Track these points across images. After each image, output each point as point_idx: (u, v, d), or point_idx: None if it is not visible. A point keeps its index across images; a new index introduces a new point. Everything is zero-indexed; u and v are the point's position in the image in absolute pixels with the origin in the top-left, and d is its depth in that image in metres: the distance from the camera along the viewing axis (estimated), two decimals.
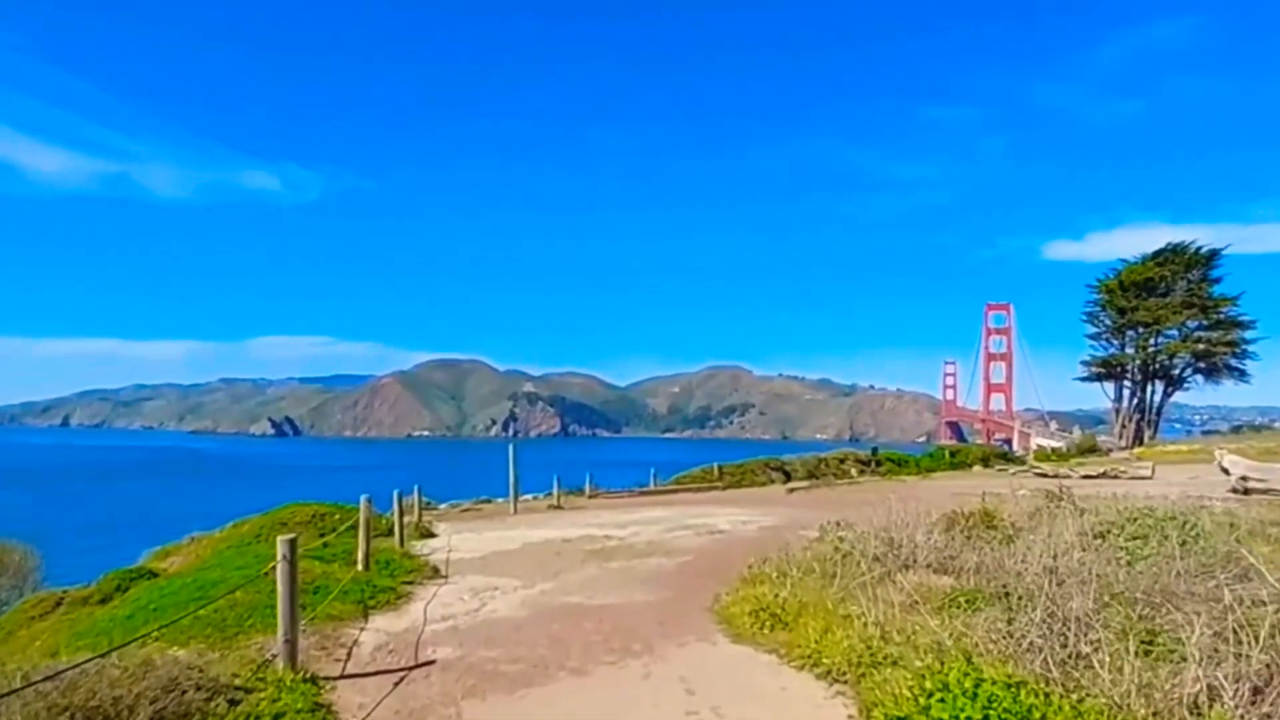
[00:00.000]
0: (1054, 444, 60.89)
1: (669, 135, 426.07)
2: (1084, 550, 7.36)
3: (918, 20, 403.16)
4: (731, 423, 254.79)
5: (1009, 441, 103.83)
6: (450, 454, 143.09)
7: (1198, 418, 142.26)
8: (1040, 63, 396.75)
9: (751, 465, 30.65)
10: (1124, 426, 54.86)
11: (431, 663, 5.91)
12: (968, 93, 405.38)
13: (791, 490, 24.74)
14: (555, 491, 22.42)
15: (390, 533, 13.23)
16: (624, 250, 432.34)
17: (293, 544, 5.16)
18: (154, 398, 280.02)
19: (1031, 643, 4.25)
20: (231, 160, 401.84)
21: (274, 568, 5.17)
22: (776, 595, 6.65)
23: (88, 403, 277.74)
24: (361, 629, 7.03)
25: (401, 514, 13.19)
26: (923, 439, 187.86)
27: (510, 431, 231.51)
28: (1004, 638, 4.55)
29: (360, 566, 9.29)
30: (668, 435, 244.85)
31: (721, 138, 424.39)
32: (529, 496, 23.86)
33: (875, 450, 33.02)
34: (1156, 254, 52.64)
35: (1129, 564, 6.74)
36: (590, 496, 23.89)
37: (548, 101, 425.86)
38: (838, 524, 11.73)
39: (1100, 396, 57.31)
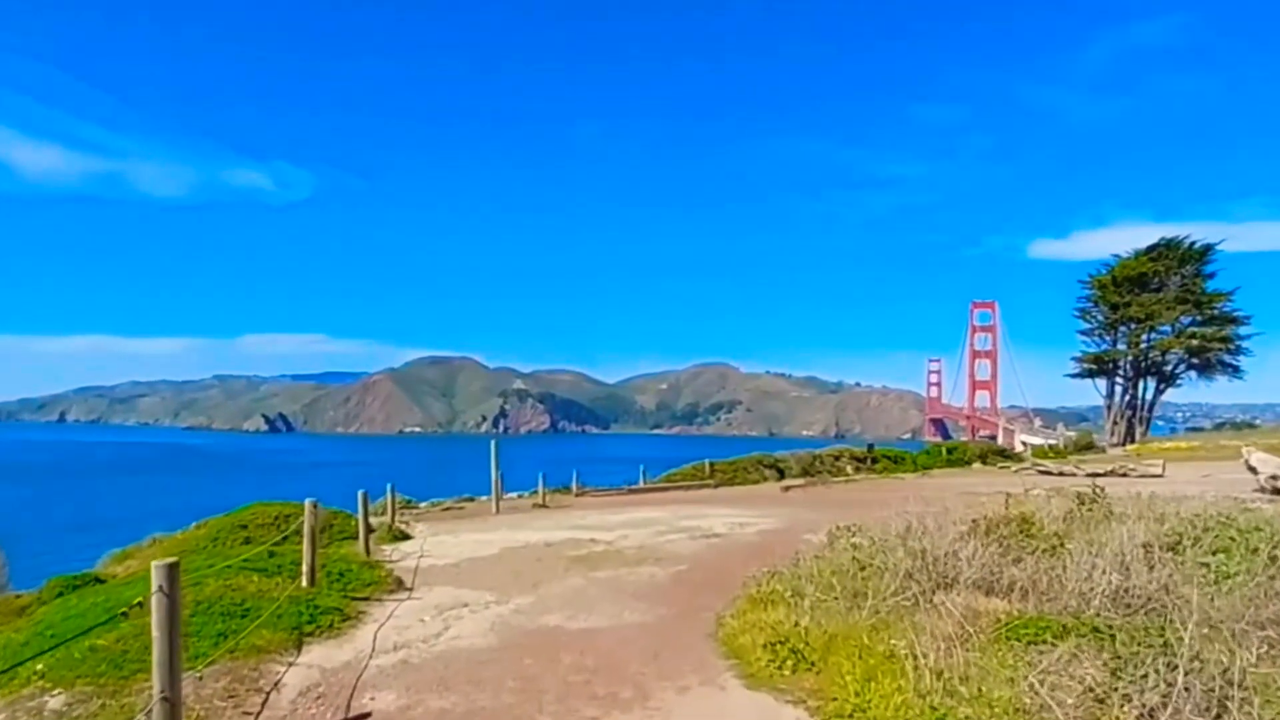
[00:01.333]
0: (1039, 440, 60.47)
1: (657, 134, 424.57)
2: (1150, 565, 6.26)
3: (904, 19, 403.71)
4: (719, 419, 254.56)
5: (994, 438, 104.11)
6: (439, 450, 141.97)
7: (1180, 415, 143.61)
8: (1026, 62, 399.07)
9: (744, 462, 29.58)
10: (1115, 423, 54.48)
11: (366, 716, 4.67)
12: (954, 91, 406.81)
13: (787, 489, 23.66)
14: (540, 490, 21.21)
15: (358, 536, 11.97)
16: (612, 249, 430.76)
17: (172, 571, 3.90)
18: (149, 394, 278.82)
19: (1175, 711, 3.11)
20: (223, 158, 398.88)
21: (146, 603, 3.90)
22: (796, 623, 5.47)
23: (84, 399, 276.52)
24: (290, 664, 5.76)
25: (367, 516, 11.88)
26: (908, 435, 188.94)
27: (500, 428, 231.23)
28: (1120, 699, 3.40)
29: (305, 581, 8.01)
30: (656, 431, 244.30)
31: (709, 136, 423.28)
32: (513, 495, 22.67)
33: (871, 447, 32.05)
34: (1150, 249, 52.16)
35: (1215, 584, 5.65)
36: (577, 495, 22.67)
37: (536, 100, 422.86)
38: (848, 529, 10.62)
39: (1085, 394, 57.38)
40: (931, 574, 6.45)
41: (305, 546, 8.08)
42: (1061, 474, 22.59)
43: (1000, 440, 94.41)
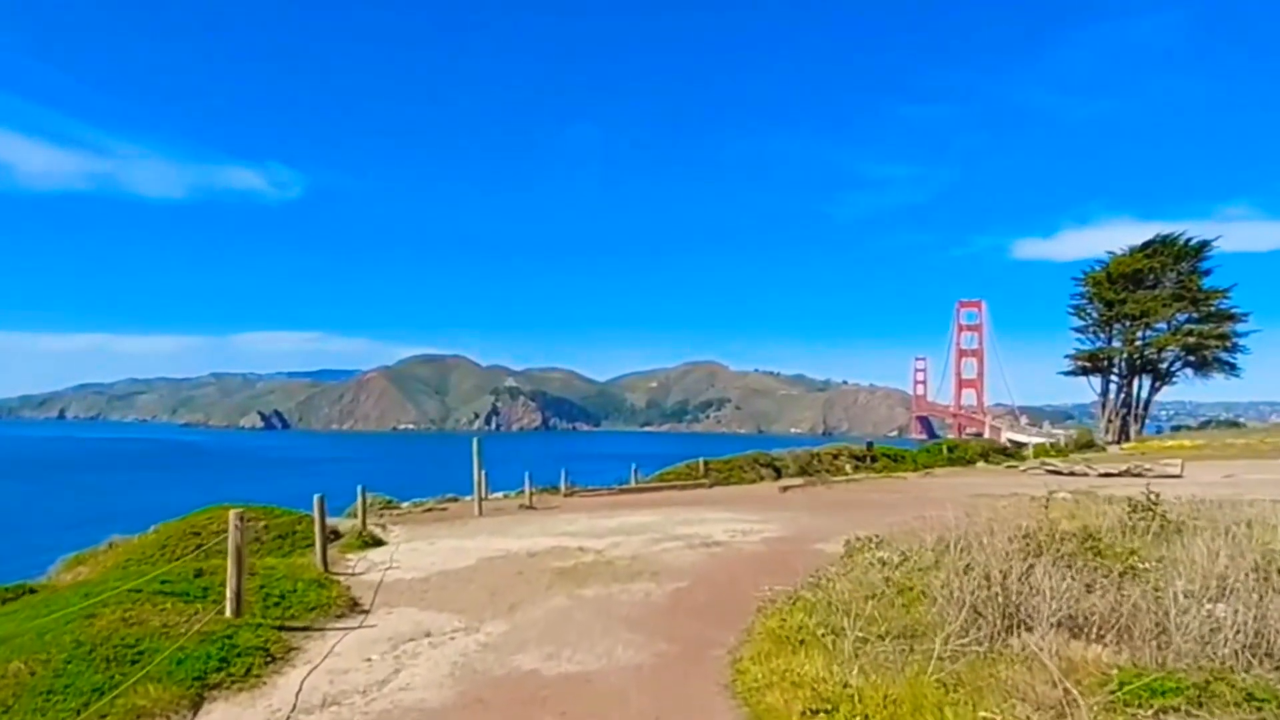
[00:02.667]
0: (1023, 438, 59.87)
1: (646, 134, 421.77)
2: (1259, 592, 5.03)
3: (891, 18, 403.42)
4: (708, 417, 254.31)
5: (980, 435, 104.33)
6: (431, 447, 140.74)
7: (1165, 413, 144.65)
8: (1012, 61, 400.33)
9: (739, 461, 28.36)
10: (1110, 421, 53.89)
11: None
12: (941, 91, 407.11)
13: (785, 489, 22.44)
14: (527, 489, 19.85)
15: (327, 542, 10.54)
16: (602, 248, 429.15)
17: None
18: (146, 391, 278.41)
19: None
20: (217, 159, 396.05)
21: None
22: (845, 683, 4.18)
23: (83, 396, 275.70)
24: None
25: (324, 523, 10.46)
26: (894, 433, 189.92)
27: (493, 425, 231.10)
28: None
29: (229, 609, 6.61)
30: (646, 429, 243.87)
31: (697, 135, 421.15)
32: (499, 495, 21.32)
33: (870, 445, 30.95)
34: (1145, 245, 51.49)
35: None
36: (566, 495, 21.33)
37: (527, 100, 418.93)
38: (872, 540, 9.39)
39: (1070, 392, 56.96)
40: (999, 607, 5.19)
41: (230, 568, 6.69)
42: (1073, 474, 21.56)
43: (987, 437, 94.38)
